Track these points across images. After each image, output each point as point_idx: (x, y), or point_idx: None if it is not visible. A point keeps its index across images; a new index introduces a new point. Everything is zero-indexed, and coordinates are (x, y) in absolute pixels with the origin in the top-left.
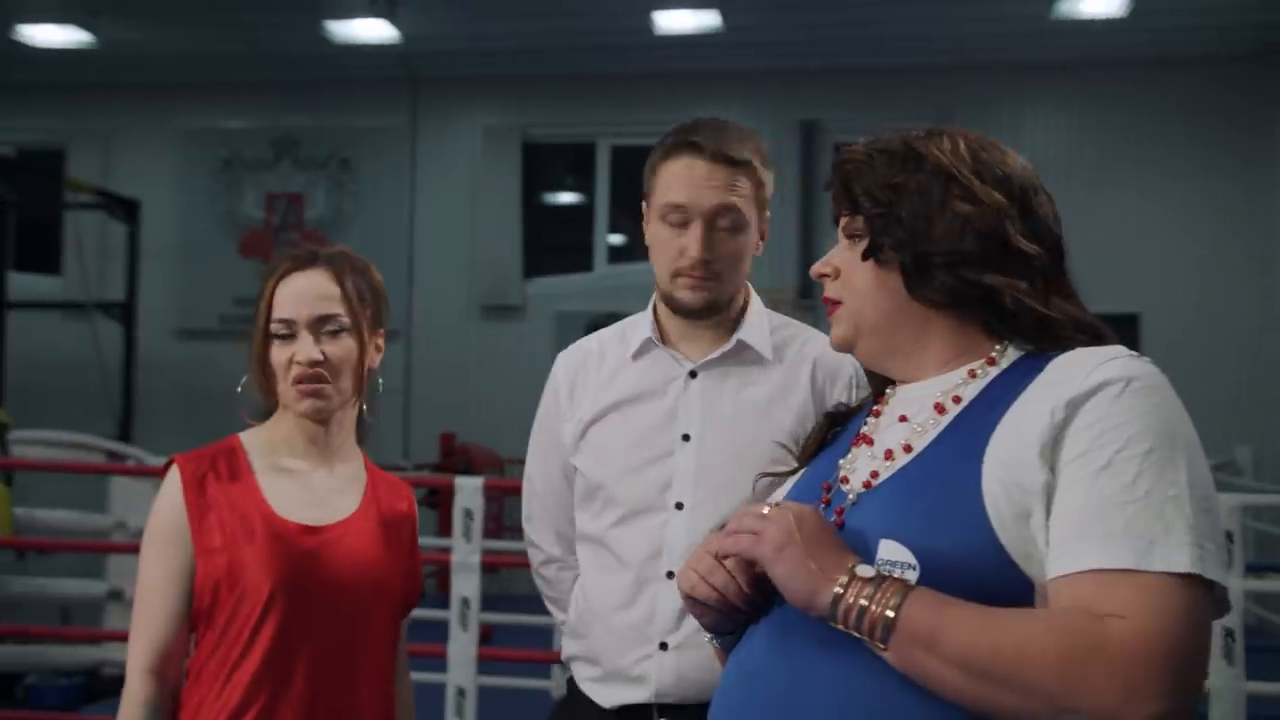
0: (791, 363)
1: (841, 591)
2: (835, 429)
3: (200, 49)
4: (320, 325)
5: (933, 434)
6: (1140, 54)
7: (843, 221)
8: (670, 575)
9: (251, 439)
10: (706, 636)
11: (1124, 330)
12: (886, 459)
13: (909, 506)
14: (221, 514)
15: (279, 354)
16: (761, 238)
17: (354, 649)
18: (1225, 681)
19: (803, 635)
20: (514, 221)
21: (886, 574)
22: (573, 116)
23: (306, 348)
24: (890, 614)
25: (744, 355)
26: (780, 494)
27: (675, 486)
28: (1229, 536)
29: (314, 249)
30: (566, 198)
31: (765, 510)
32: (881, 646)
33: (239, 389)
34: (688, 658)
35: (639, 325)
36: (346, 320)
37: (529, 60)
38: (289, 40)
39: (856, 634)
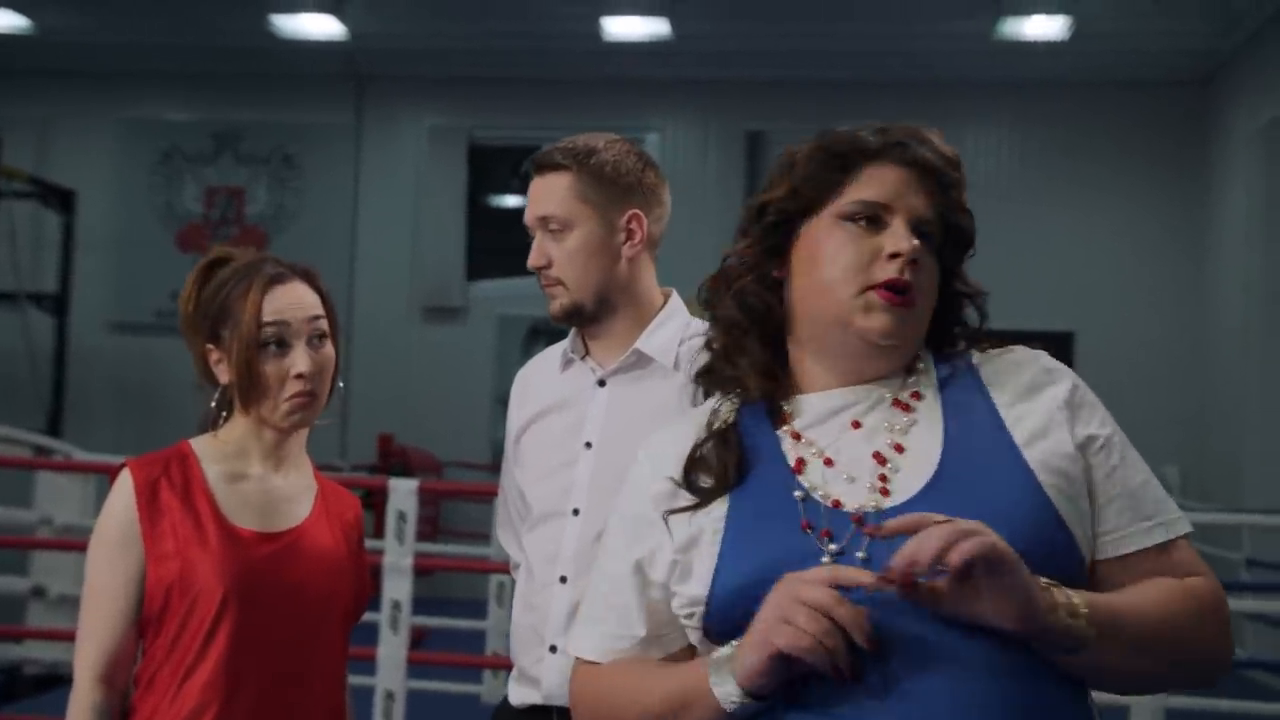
0: (689, 372)
1: (1058, 602)
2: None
3: (142, 38)
4: (311, 336)
5: (928, 430)
6: (1080, 76)
7: (915, 215)
8: (563, 580)
9: (203, 446)
10: (734, 697)
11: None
12: (880, 463)
13: (966, 502)
14: (174, 519)
15: (274, 367)
16: (629, 239)
17: (308, 655)
18: (1146, 696)
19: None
20: (458, 223)
21: (1048, 583)
22: (519, 119)
23: (303, 360)
24: (1086, 616)
25: (648, 364)
26: (709, 530)
27: (573, 492)
28: None
29: (271, 259)
30: (511, 201)
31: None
32: (1076, 655)
33: (213, 402)
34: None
35: (573, 339)
36: (328, 330)
37: (476, 61)
38: (233, 32)
39: (1055, 647)
